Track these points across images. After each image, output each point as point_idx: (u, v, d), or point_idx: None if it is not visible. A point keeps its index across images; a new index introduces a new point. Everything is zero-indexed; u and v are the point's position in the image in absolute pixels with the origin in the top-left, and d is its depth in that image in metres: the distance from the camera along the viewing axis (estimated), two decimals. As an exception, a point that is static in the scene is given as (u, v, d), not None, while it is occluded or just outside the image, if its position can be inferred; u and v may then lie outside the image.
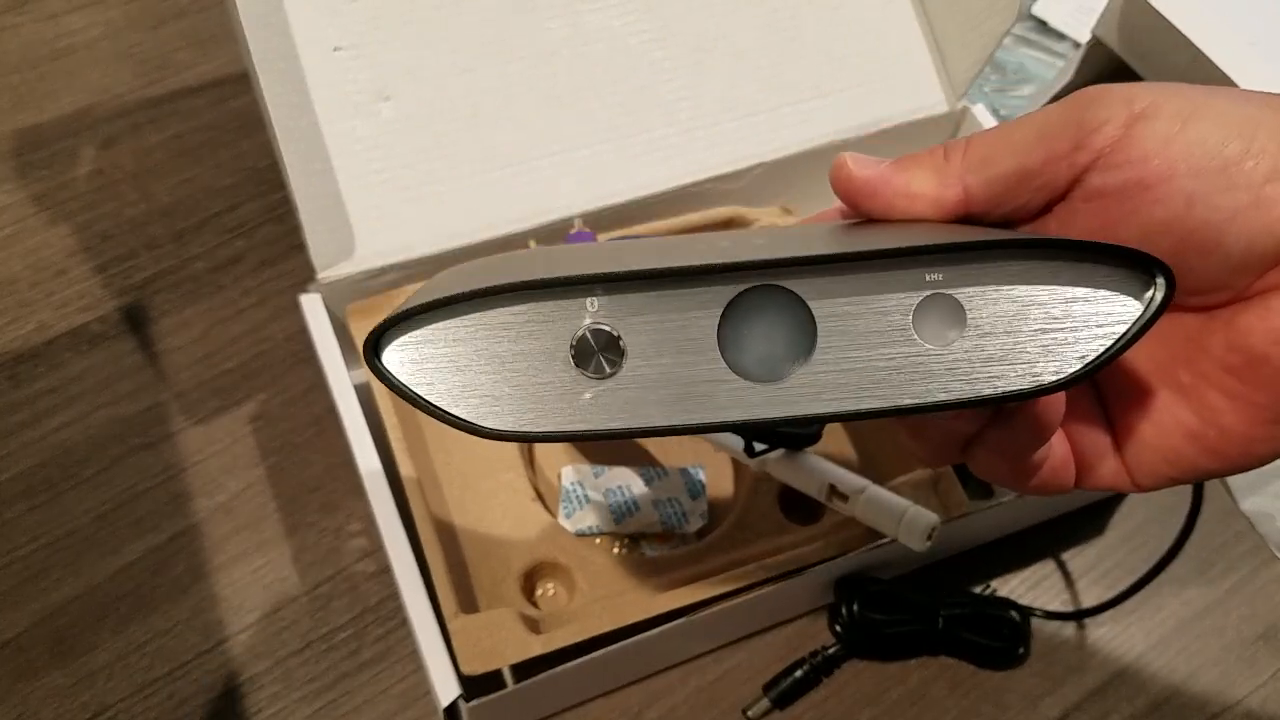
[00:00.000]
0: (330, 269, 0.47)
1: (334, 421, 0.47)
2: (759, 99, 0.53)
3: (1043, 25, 0.69)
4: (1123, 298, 0.21)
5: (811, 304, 0.22)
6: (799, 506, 0.46)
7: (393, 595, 0.47)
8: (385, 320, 0.21)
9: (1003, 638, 0.46)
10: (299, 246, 0.47)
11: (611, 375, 0.22)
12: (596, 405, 0.22)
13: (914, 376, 0.22)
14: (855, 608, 0.45)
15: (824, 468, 0.42)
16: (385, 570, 0.47)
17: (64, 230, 0.57)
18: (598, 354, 0.22)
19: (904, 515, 0.40)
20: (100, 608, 0.46)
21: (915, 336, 0.22)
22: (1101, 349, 0.21)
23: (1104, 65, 0.60)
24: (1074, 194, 0.23)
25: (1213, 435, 0.23)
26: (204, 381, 0.52)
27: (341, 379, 0.45)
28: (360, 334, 0.46)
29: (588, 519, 0.46)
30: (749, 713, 0.45)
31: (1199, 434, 0.24)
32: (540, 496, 0.46)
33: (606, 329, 0.22)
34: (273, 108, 0.45)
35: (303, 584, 0.47)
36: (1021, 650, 0.46)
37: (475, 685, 0.39)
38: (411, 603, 0.39)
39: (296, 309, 0.47)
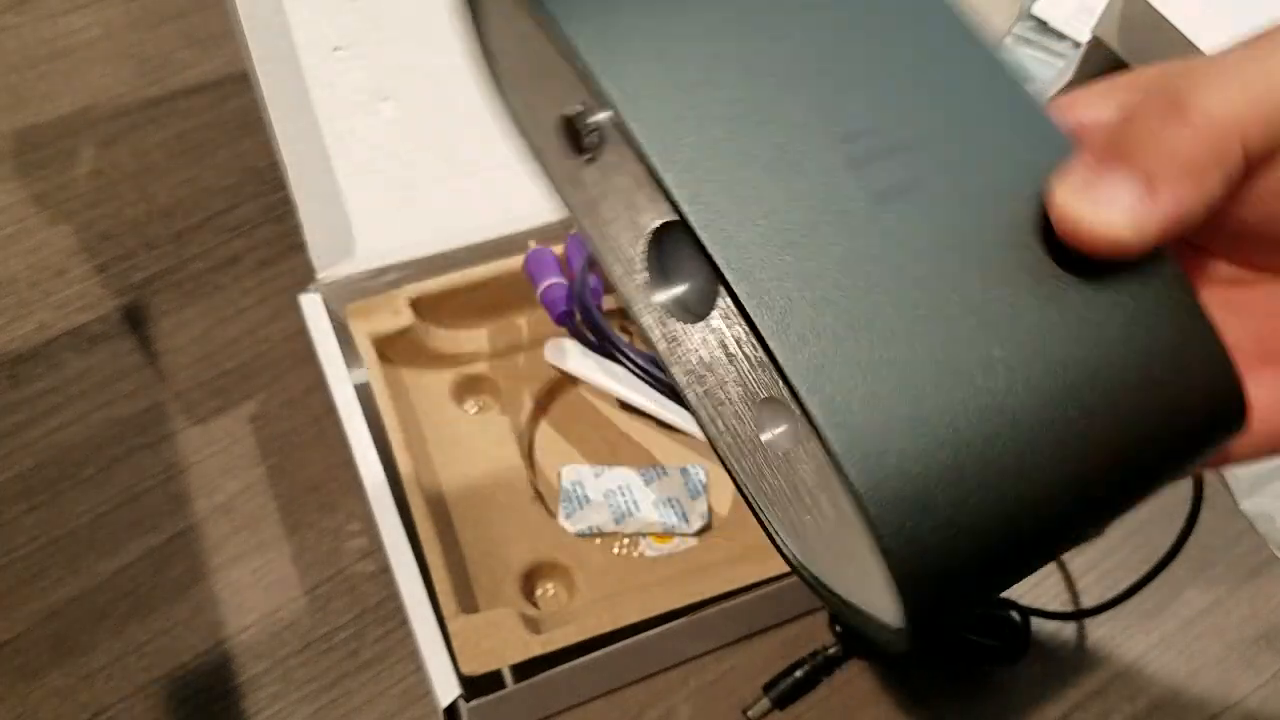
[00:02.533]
0: (330, 269, 0.47)
1: (334, 422, 0.47)
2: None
3: (1043, 25, 0.69)
4: None
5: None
6: (799, 506, 0.46)
7: (392, 595, 0.47)
8: None
9: (1003, 637, 0.46)
10: (298, 246, 0.47)
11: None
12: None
13: None
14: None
15: (824, 468, 0.42)
16: (385, 570, 0.47)
17: (64, 230, 0.56)
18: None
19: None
20: (99, 608, 0.46)
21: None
22: None
23: (1104, 65, 0.60)
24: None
25: None
26: (203, 381, 0.52)
27: (341, 379, 0.45)
28: (360, 334, 0.46)
29: (588, 519, 0.46)
30: (749, 713, 0.45)
31: None
32: (540, 496, 0.46)
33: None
34: (272, 108, 0.45)
35: (302, 584, 0.47)
36: (1021, 650, 0.46)
37: (475, 685, 0.39)
38: (411, 603, 0.39)
39: (296, 309, 0.47)
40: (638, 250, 0.23)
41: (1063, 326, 0.19)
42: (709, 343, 0.22)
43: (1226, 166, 0.19)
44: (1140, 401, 0.19)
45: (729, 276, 0.18)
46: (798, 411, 0.18)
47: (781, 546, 0.23)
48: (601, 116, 0.21)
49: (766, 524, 0.24)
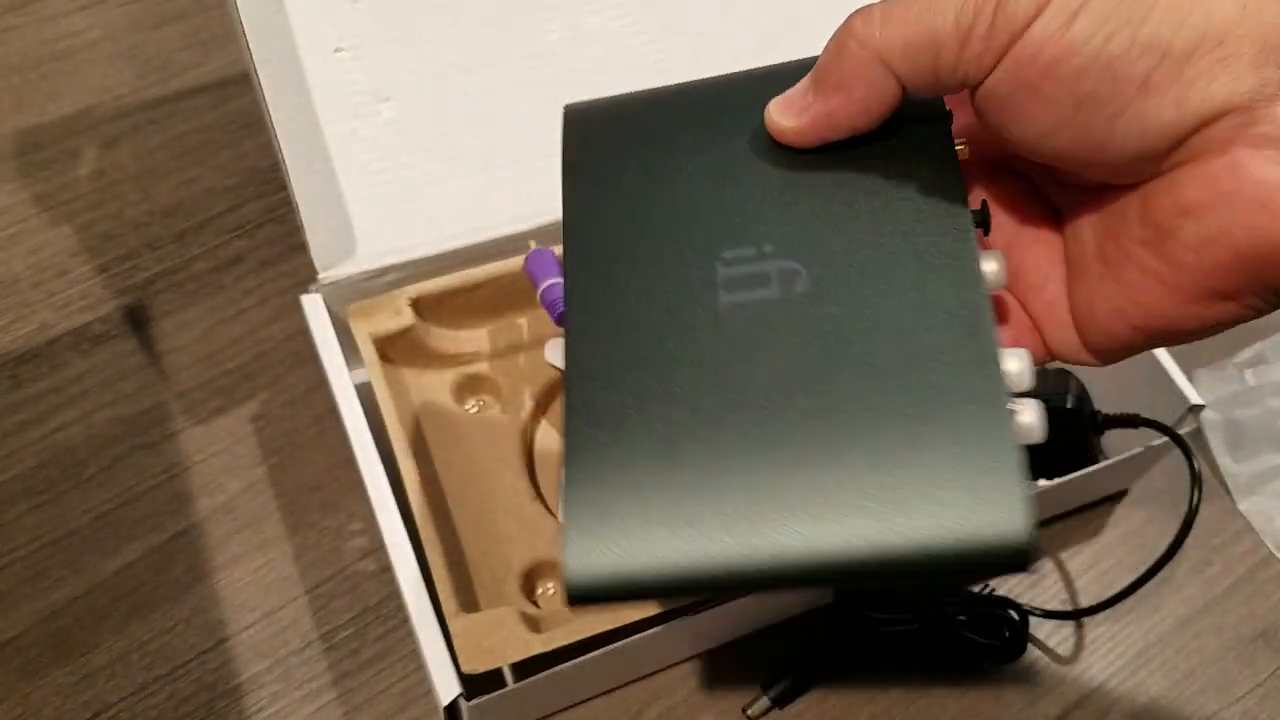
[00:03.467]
0: (331, 269, 0.47)
1: (335, 421, 0.47)
2: (758, 100, 0.53)
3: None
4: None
5: None
6: (798, 506, 0.46)
7: (393, 594, 0.47)
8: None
9: (1002, 637, 0.46)
10: (300, 247, 0.48)
11: None
12: None
13: None
14: (855, 607, 0.45)
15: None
16: (386, 569, 0.47)
17: (66, 230, 0.57)
18: None
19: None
20: (101, 607, 0.46)
21: None
22: None
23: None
24: (979, 90, 0.24)
25: (1134, 311, 0.24)
26: (205, 381, 0.52)
27: (342, 379, 0.45)
28: (361, 334, 0.46)
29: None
30: (748, 711, 0.45)
31: (1123, 310, 0.24)
32: (540, 496, 0.46)
33: None
34: (274, 108, 0.45)
35: (303, 583, 0.47)
36: (1020, 650, 0.46)
37: (476, 684, 0.39)
38: (412, 602, 0.40)
39: (297, 309, 0.47)
40: None
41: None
42: None
43: (869, 84, 0.24)
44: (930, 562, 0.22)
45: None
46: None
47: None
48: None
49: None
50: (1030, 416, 0.23)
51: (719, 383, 0.24)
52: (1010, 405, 0.22)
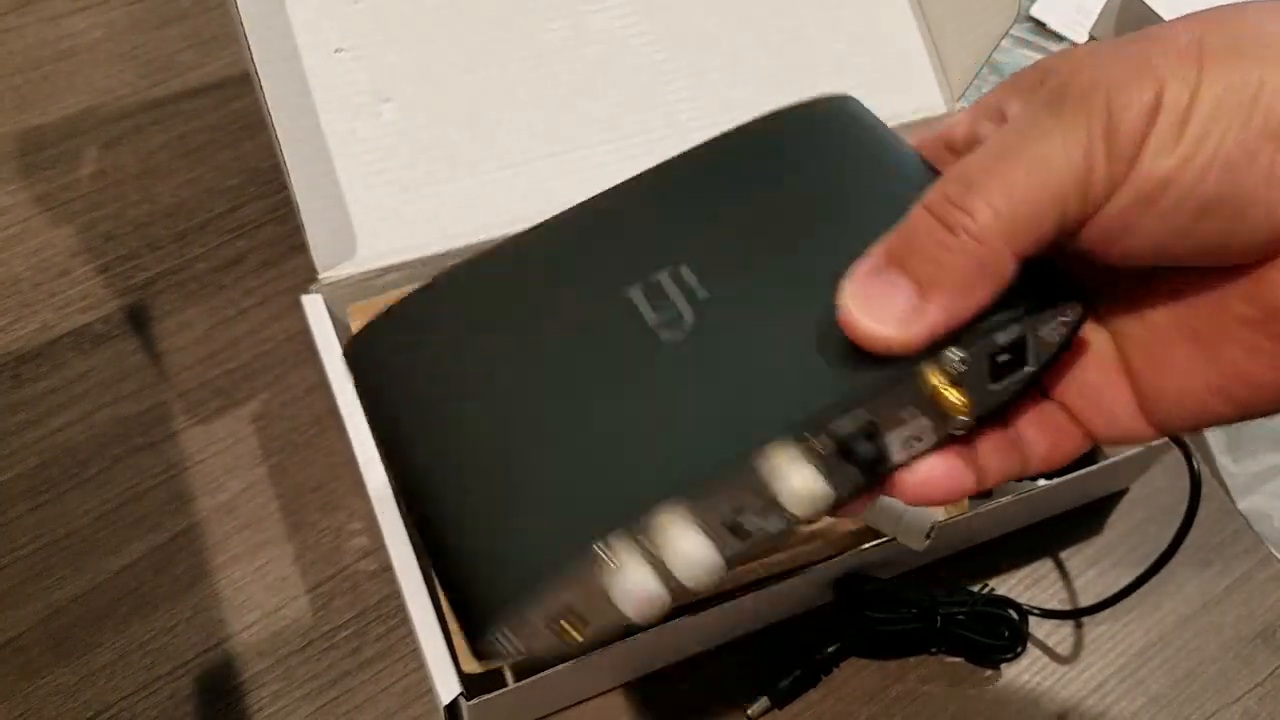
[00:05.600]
0: (332, 269, 0.47)
1: (335, 421, 0.47)
2: (758, 100, 0.53)
3: (1041, 26, 0.70)
4: None
5: None
6: (798, 506, 0.46)
7: (394, 594, 0.47)
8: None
9: (1001, 636, 0.46)
10: (300, 247, 0.48)
11: None
12: None
13: None
14: (854, 607, 0.45)
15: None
16: (386, 569, 0.47)
17: (67, 231, 0.57)
18: None
19: (903, 515, 0.40)
20: (102, 607, 0.46)
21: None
22: None
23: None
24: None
25: (1239, 390, 0.22)
26: (206, 381, 0.52)
27: (343, 379, 0.45)
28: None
29: (588, 518, 0.46)
30: (748, 711, 0.45)
31: (1224, 389, 0.23)
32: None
33: None
34: (274, 109, 0.45)
35: (304, 583, 0.47)
36: (1020, 649, 0.46)
37: (476, 683, 0.39)
38: (412, 601, 0.40)
39: (298, 309, 0.47)
40: None
41: None
42: None
43: (994, 278, 0.21)
44: None
45: None
46: None
47: None
48: None
49: None
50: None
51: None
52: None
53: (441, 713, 0.39)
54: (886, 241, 0.22)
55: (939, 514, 0.43)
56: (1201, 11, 0.21)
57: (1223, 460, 0.53)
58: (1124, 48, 0.21)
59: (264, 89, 0.45)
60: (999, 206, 0.20)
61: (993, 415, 0.25)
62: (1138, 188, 0.20)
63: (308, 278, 0.47)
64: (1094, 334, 0.25)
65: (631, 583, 0.22)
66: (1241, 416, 0.23)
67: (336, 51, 0.48)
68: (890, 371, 0.22)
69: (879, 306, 0.22)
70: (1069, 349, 0.24)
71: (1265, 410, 0.23)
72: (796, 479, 0.23)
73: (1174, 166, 0.20)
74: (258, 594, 0.47)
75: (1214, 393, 0.23)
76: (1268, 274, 0.21)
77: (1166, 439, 0.45)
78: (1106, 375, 0.25)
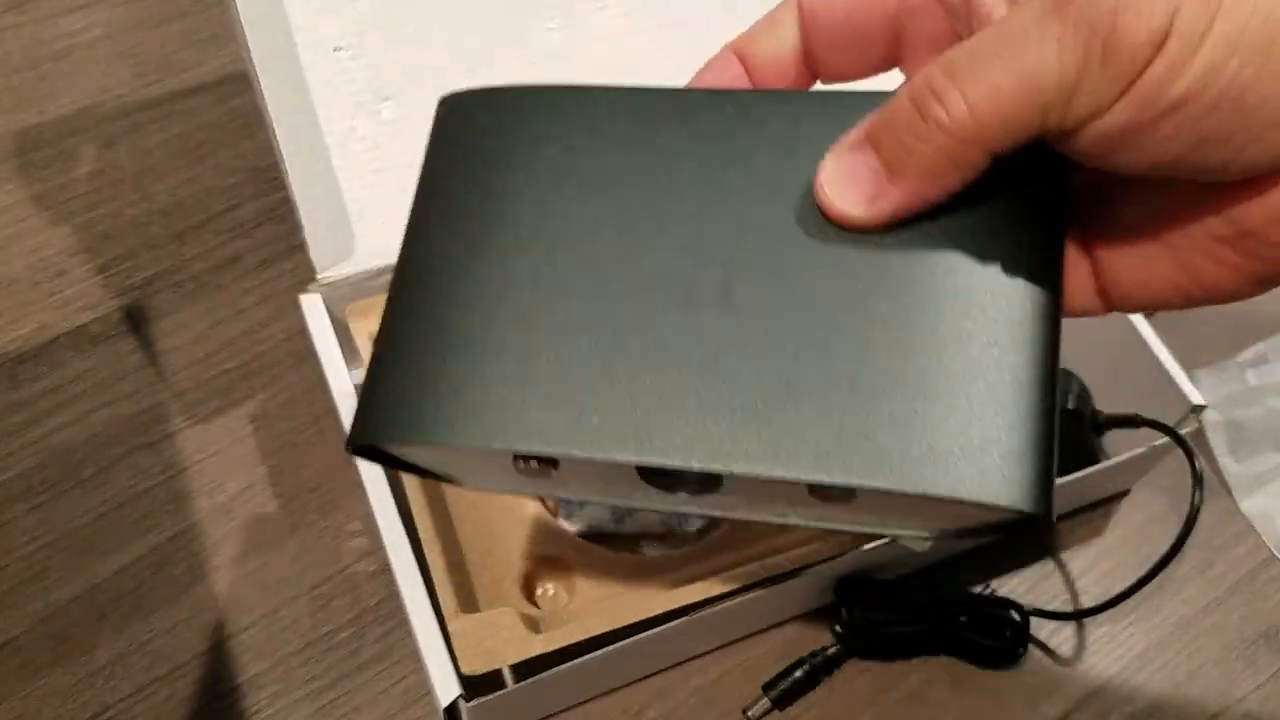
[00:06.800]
0: (330, 269, 0.47)
1: (333, 421, 0.47)
2: (759, 99, 0.53)
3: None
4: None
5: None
6: (799, 506, 0.46)
7: (393, 595, 0.47)
8: (359, 440, 0.25)
9: (1003, 638, 0.46)
10: (299, 246, 0.47)
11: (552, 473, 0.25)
12: (539, 477, 0.26)
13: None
14: (855, 608, 0.45)
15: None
16: (385, 570, 0.47)
17: (64, 230, 0.57)
18: (537, 462, 0.25)
19: (904, 515, 0.40)
20: (100, 607, 0.46)
21: (814, 499, 0.24)
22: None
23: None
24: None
25: (1194, 290, 0.23)
26: (204, 381, 0.52)
27: (341, 379, 0.45)
28: (360, 334, 0.46)
29: (588, 519, 0.46)
30: (749, 713, 0.45)
31: (1182, 288, 0.23)
32: (541, 496, 0.46)
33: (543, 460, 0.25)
34: (273, 108, 0.45)
35: (302, 584, 0.47)
36: (1021, 650, 0.46)
37: (475, 685, 0.39)
38: (411, 602, 0.39)
39: (296, 309, 0.47)
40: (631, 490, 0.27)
41: None
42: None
43: (962, 170, 0.21)
44: None
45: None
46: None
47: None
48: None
49: None
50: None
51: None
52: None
53: (441, 714, 0.38)
54: (869, 119, 0.23)
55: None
56: None
57: (1225, 461, 0.52)
58: None
59: (262, 88, 0.45)
60: (977, 103, 0.20)
61: None
62: (1139, 108, 0.20)
63: (306, 277, 0.47)
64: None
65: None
66: (1187, 306, 0.24)
67: (335, 50, 0.48)
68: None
69: (849, 184, 0.23)
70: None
71: (1214, 303, 0.23)
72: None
73: (1180, 94, 0.19)
74: (256, 595, 0.47)
75: (1171, 289, 0.23)
76: (1248, 198, 0.21)
77: (1167, 437, 0.45)
78: (1070, 250, 0.25)
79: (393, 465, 0.27)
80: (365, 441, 0.24)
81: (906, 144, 0.22)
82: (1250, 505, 0.51)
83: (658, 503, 0.27)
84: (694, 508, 0.27)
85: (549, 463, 0.25)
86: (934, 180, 0.22)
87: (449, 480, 0.30)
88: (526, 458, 0.24)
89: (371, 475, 0.42)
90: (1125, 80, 0.19)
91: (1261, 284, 0.23)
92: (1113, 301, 0.25)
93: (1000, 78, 0.20)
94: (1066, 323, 0.24)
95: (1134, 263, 0.24)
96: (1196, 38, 0.19)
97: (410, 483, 0.43)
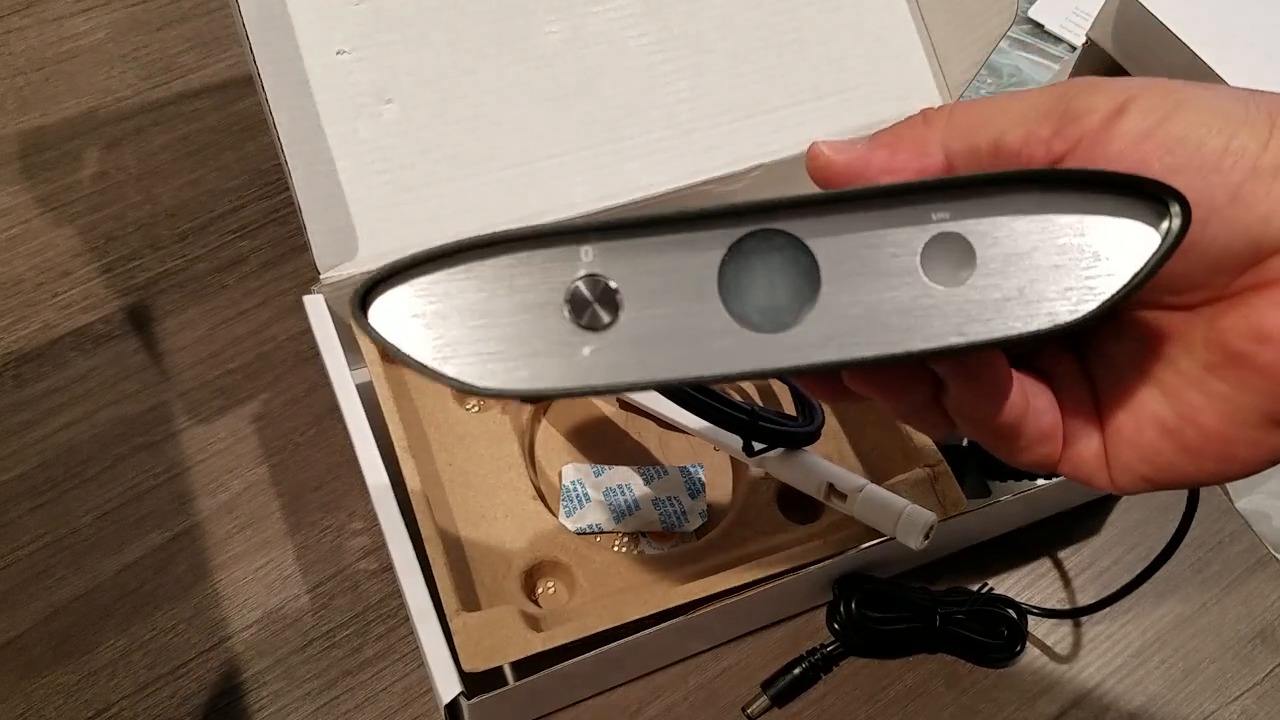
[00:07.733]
0: (333, 270, 0.47)
1: (336, 421, 0.47)
2: (758, 101, 0.53)
3: (1038, 28, 0.70)
4: (1138, 228, 0.21)
5: (813, 247, 0.21)
6: (797, 505, 0.47)
7: (394, 593, 0.47)
8: (372, 277, 0.21)
9: (1000, 636, 0.46)
10: (302, 247, 0.48)
11: (609, 327, 0.21)
12: (596, 360, 0.21)
13: (925, 319, 0.21)
14: (853, 606, 0.45)
15: (822, 466, 0.43)
16: (387, 568, 0.47)
17: (68, 231, 0.57)
18: (593, 305, 0.21)
19: (902, 514, 0.41)
20: (103, 606, 0.46)
21: (924, 278, 0.21)
22: (1118, 285, 0.21)
23: (1099, 68, 0.60)
24: None
25: (1190, 434, 0.23)
26: (207, 381, 0.52)
27: (344, 379, 0.45)
28: (363, 335, 0.46)
29: (588, 517, 0.46)
30: (748, 710, 0.45)
31: (1176, 431, 0.23)
32: (541, 495, 0.47)
33: (601, 279, 0.21)
34: (276, 110, 0.45)
35: (305, 582, 0.47)
36: (1018, 648, 0.47)
37: (476, 682, 0.39)
38: (413, 601, 0.40)
39: (299, 309, 0.47)
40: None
41: None
42: None
43: (918, 152, 0.24)
44: None
45: None
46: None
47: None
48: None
49: None
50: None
51: None
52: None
53: (442, 712, 0.39)
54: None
55: (936, 514, 0.43)
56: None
57: (1221, 460, 0.53)
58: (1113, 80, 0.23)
59: (266, 90, 0.45)
60: (956, 111, 0.24)
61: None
62: (1091, 158, 0.22)
63: (309, 278, 0.47)
64: (1076, 377, 0.26)
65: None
66: (1195, 472, 0.23)
67: (338, 53, 0.48)
68: None
69: (837, 143, 0.26)
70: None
71: (1219, 467, 0.23)
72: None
73: (1148, 150, 0.21)
74: (258, 593, 0.47)
75: (1169, 437, 0.23)
76: (1220, 315, 0.22)
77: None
78: (1078, 401, 0.25)
79: (396, 353, 0.21)
80: (391, 270, 0.21)
81: (895, 128, 0.25)
82: (1246, 504, 0.52)
83: (746, 349, 0.22)
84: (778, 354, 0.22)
85: (610, 301, 0.21)
86: (894, 149, 0.25)
87: (457, 385, 0.22)
88: (590, 285, 0.21)
89: (373, 474, 0.43)
90: (1075, 135, 0.23)
91: (1256, 428, 0.22)
92: (1113, 465, 0.25)
93: (983, 104, 0.24)
94: None
95: (1130, 407, 0.24)
96: (1166, 109, 0.22)
97: (412, 481, 0.43)
